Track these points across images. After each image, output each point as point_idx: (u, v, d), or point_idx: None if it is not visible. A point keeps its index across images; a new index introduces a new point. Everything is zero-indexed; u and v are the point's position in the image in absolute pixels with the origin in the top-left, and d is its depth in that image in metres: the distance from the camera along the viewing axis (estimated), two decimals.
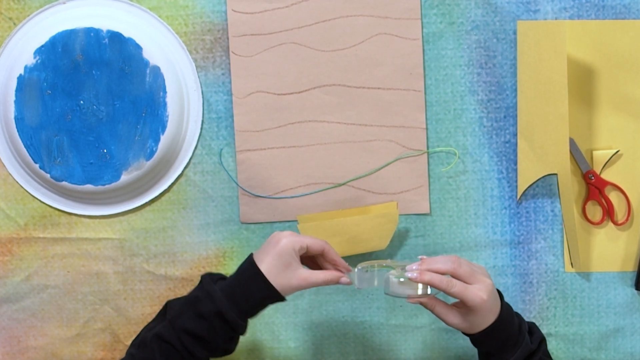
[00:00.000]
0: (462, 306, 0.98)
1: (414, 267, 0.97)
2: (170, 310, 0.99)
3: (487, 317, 0.98)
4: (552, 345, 1.15)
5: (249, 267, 0.97)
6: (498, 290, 1.00)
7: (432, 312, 1.00)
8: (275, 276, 0.97)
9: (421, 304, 1.00)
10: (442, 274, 0.96)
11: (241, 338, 1.17)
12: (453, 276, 0.96)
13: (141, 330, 1.02)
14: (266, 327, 1.16)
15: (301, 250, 0.98)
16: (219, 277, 1.01)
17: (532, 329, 1.03)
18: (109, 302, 1.16)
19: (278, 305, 1.15)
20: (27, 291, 1.16)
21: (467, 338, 1.04)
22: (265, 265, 0.97)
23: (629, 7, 1.13)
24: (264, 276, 0.96)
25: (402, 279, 0.98)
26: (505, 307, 0.99)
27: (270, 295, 0.97)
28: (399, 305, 1.16)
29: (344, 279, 1.00)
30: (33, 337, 1.17)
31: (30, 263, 1.16)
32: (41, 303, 1.16)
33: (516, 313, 1.02)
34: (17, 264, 1.16)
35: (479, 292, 0.96)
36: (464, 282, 0.96)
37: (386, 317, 1.16)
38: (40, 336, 1.17)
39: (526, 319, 1.04)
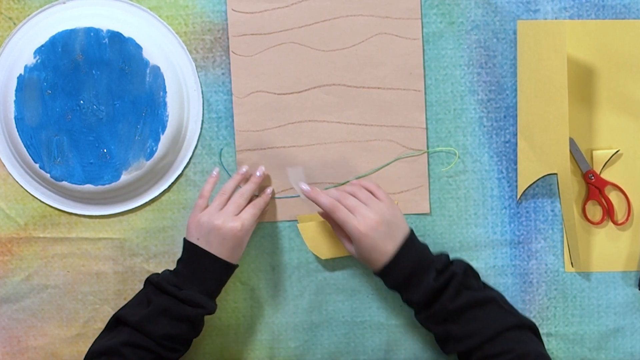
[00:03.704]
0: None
1: (308, 188, 1.07)
2: (132, 318, 1.02)
3: (374, 255, 1.02)
4: (552, 345, 1.15)
5: (207, 259, 1.03)
6: (412, 232, 1.05)
7: (336, 234, 1.08)
8: (231, 255, 1.05)
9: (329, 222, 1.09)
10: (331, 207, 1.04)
11: (242, 338, 1.18)
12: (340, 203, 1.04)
13: (90, 347, 1.05)
14: (266, 327, 1.16)
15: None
16: (164, 275, 1.06)
17: (454, 265, 1.04)
18: (109, 302, 1.16)
19: (278, 305, 1.16)
20: (27, 291, 1.16)
21: None
22: (221, 250, 1.04)
23: (629, 7, 1.13)
24: (224, 260, 1.04)
25: (305, 187, 1.07)
26: (405, 250, 1.02)
27: (231, 269, 1.05)
28: (399, 305, 1.16)
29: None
30: (33, 337, 1.17)
31: (30, 263, 1.16)
32: (41, 303, 1.16)
33: (433, 255, 1.05)
34: (17, 264, 1.16)
35: (357, 224, 1.02)
36: (351, 212, 1.03)
37: (386, 317, 1.16)
38: (40, 336, 1.17)
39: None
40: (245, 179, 1.11)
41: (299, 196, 1.10)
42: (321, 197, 1.05)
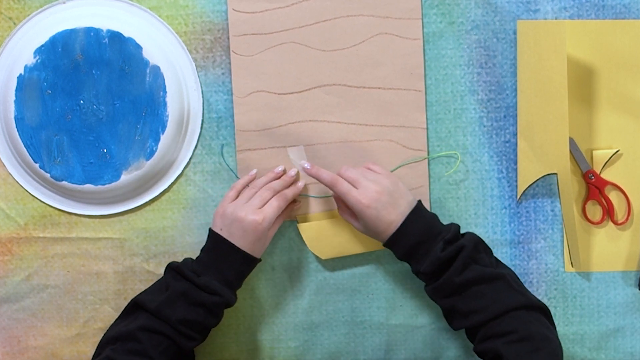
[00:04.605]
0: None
1: (308, 165, 1.09)
2: (149, 304, 1.02)
3: (379, 225, 1.03)
4: None
5: (228, 249, 1.04)
6: (420, 202, 1.05)
7: (342, 216, 1.09)
8: (252, 248, 1.05)
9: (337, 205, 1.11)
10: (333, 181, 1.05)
11: (242, 338, 1.17)
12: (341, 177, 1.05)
13: (106, 333, 1.05)
14: (266, 327, 1.16)
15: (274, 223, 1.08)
16: (186, 262, 1.06)
17: (464, 238, 1.04)
18: (109, 302, 1.16)
19: (278, 305, 1.16)
20: (27, 291, 1.16)
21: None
22: (242, 242, 1.04)
23: (629, 7, 1.13)
24: (245, 252, 1.04)
25: (306, 165, 1.09)
26: (412, 218, 1.03)
27: (252, 262, 1.06)
28: (399, 305, 1.16)
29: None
30: (33, 337, 1.17)
31: (30, 263, 1.16)
32: (41, 303, 1.16)
33: (442, 225, 1.05)
34: (17, 264, 1.16)
35: (358, 195, 1.02)
36: (352, 185, 1.04)
37: (386, 317, 1.16)
38: (40, 336, 1.17)
39: None
40: (278, 177, 1.11)
41: (329, 196, 1.12)
42: (322, 172, 1.06)
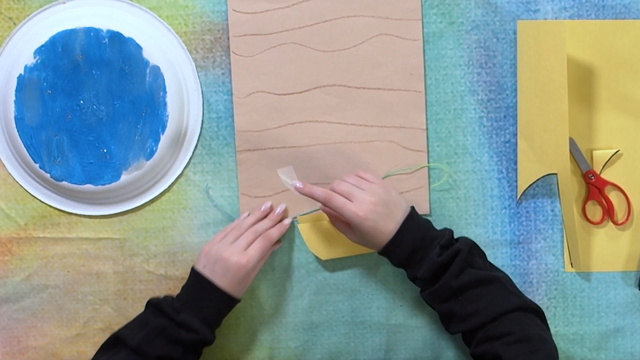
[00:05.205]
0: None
1: (300, 185, 1.08)
2: (130, 341, 1.02)
3: (376, 235, 1.03)
4: None
5: (209, 287, 1.04)
6: (413, 209, 1.05)
7: (336, 227, 1.09)
8: (233, 289, 1.05)
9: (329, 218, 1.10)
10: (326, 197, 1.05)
11: (242, 338, 1.18)
12: (334, 191, 1.05)
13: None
14: (266, 327, 1.16)
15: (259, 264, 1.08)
16: (166, 299, 1.06)
17: (459, 242, 1.04)
18: (109, 302, 1.16)
19: (278, 305, 1.16)
20: (27, 291, 1.16)
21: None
22: (223, 282, 1.04)
23: (629, 7, 1.13)
24: (226, 292, 1.04)
25: (298, 184, 1.08)
26: (407, 226, 1.03)
27: (231, 302, 1.06)
28: (399, 305, 1.16)
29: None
30: (33, 337, 1.17)
31: (30, 263, 1.16)
32: (41, 303, 1.16)
33: (436, 230, 1.05)
34: (17, 264, 1.16)
35: (355, 209, 1.02)
36: (346, 198, 1.03)
37: (386, 317, 1.16)
38: (40, 336, 1.17)
39: None
40: (265, 215, 1.12)
41: (318, 210, 1.12)
42: (315, 190, 1.06)
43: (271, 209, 1.12)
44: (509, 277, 1.07)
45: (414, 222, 1.04)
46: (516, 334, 0.98)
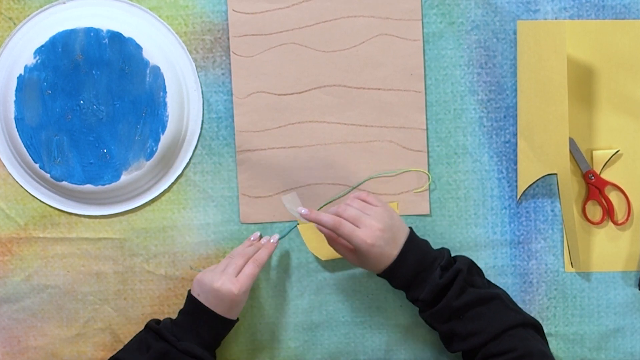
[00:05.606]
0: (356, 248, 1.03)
1: (306, 211, 1.05)
2: None
3: (381, 260, 1.02)
4: (552, 345, 1.15)
5: (205, 313, 1.05)
6: (412, 230, 1.04)
7: (335, 250, 1.07)
8: (229, 313, 1.06)
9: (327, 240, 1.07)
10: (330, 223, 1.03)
11: (242, 338, 1.18)
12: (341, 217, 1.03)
13: None
14: (266, 327, 1.16)
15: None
16: (165, 324, 1.07)
17: (458, 262, 1.04)
18: (109, 302, 1.16)
19: (278, 305, 1.16)
20: (27, 291, 1.16)
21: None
22: (218, 309, 1.05)
23: (629, 7, 1.13)
24: (222, 316, 1.05)
25: (303, 211, 1.05)
26: (408, 249, 1.02)
27: (228, 324, 1.07)
28: (399, 305, 1.16)
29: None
30: (33, 337, 1.17)
31: (30, 263, 1.16)
32: (41, 303, 1.16)
33: (435, 251, 1.05)
34: (17, 264, 1.16)
35: (363, 235, 1.01)
36: (354, 224, 1.02)
37: (386, 317, 1.16)
38: (40, 336, 1.17)
39: None
40: (254, 244, 1.13)
41: (298, 223, 1.13)
42: (322, 216, 1.04)
43: (260, 238, 1.14)
44: (507, 293, 1.08)
45: (414, 244, 1.04)
46: (518, 350, 0.99)
